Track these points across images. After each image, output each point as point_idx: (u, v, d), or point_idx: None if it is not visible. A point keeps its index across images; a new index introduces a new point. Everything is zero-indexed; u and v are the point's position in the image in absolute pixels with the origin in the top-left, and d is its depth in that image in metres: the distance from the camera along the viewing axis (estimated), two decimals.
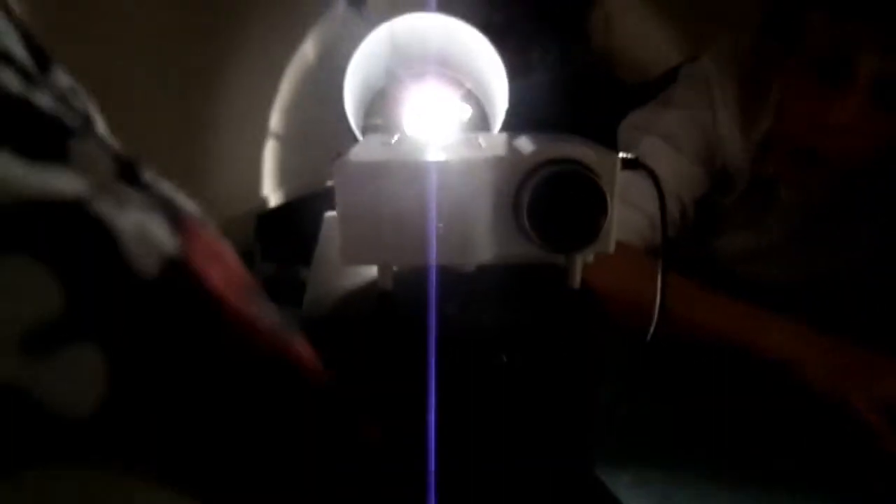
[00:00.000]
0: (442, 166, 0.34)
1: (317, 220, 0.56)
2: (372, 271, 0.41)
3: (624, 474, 0.52)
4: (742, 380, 0.63)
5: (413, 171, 0.34)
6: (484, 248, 0.36)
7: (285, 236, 0.83)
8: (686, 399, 0.63)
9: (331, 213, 0.56)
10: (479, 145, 0.38)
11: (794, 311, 0.65)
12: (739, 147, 0.78)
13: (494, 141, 0.39)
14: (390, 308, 0.37)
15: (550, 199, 0.34)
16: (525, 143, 0.37)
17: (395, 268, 0.39)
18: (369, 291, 0.39)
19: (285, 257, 0.84)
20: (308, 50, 1.23)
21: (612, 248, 0.37)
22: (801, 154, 0.70)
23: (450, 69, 0.55)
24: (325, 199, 0.59)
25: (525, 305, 0.38)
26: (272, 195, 1.14)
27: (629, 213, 0.74)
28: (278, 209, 0.90)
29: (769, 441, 0.57)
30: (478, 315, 0.37)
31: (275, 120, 1.16)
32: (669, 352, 0.61)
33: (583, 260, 0.38)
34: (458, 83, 0.54)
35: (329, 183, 0.85)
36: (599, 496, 0.46)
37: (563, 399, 0.39)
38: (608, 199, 0.34)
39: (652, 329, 0.42)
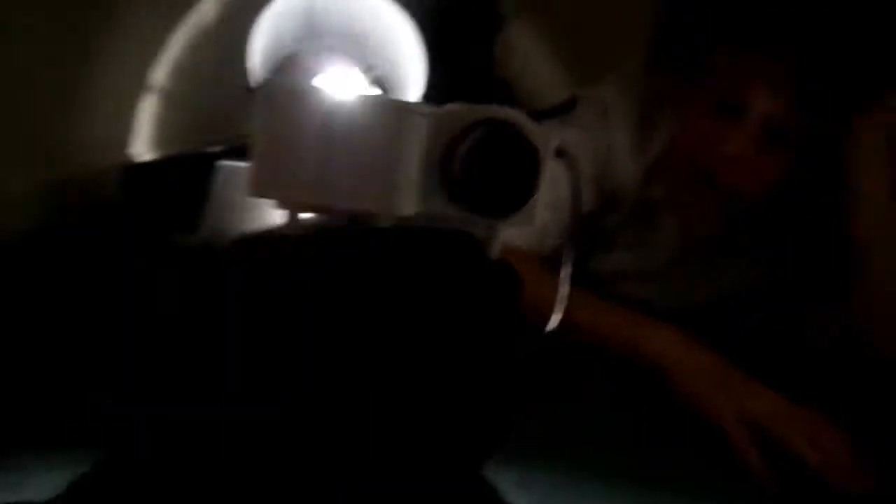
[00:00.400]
0: (379, 106, 0.32)
1: (193, 182, 0.50)
2: (276, 219, 0.37)
3: (510, 473, 0.51)
4: (629, 381, 0.65)
5: (341, 106, 0.32)
6: (406, 200, 0.33)
7: (155, 194, 0.76)
8: (574, 398, 0.63)
9: (225, 163, 0.51)
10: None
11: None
12: (630, 171, 0.81)
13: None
14: (297, 252, 0.34)
15: (485, 158, 0.33)
16: (460, 105, 0.35)
17: (300, 216, 0.35)
18: (273, 235, 0.35)
19: (155, 217, 0.76)
20: (208, 8, 1.15)
21: (536, 222, 0.36)
22: (699, 175, 0.72)
23: (366, 49, 0.52)
24: (206, 161, 0.53)
25: (439, 270, 0.36)
26: (146, 151, 1.05)
27: None
28: (151, 163, 0.82)
29: (654, 440, 0.59)
30: (385, 274, 0.35)
31: (160, 74, 1.06)
32: (558, 353, 0.61)
33: (504, 233, 0.37)
34: (370, 66, 0.52)
35: (214, 148, 0.78)
36: (485, 496, 0.44)
37: (468, 377, 0.37)
38: (543, 164, 0.33)
39: (554, 323, 0.41)
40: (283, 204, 0.35)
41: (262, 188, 0.32)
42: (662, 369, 0.64)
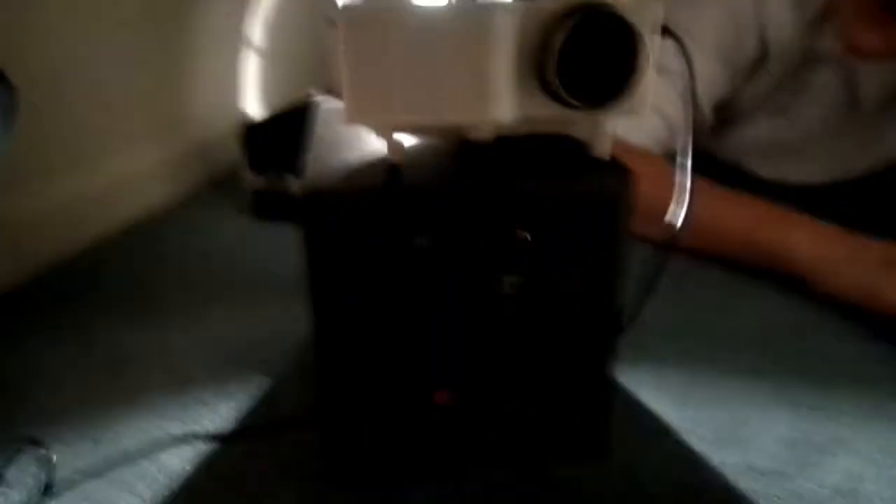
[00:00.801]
0: (459, 13, 0.30)
1: (303, 131, 0.52)
2: (379, 147, 0.37)
3: (644, 375, 0.50)
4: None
5: (425, 17, 0.30)
6: (503, 105, 0.32)
7: (272, 148, 0.79)
8: (704, 303, 0.61)
9: (325, 101, 0.52)
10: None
11: (823, 215, 0.62)
12: (787, 19, 0.72)
13: None
14: (400, 181, 0.33)
15: (582, 47, 0.30)
16: None
17: (404, 142, 0.35)
18: (377, 166, 0.35)
19: (272, 169, 0.80)
20: None
21: (644, 109, 0.33)
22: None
23: None
24: (308, 110, 0.55)
25: (548, 176, 0.34)
26: (256, 109, 1.09)
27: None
28: (264, 121, 0.85)
29: (787, 341, 0.56)
30: (497, 187, 0.34)
31: (256, 35, 1.10)
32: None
33: (612, 126, 0.35)
34: None
35: (312, 94, 0.80)
36: (618, 397, 0.44)
37: (587, 285, 0.36)
38: (645, 44, 0.31)
39: (678, 229, 0.38)
40: (380, 129, 0.35)
41: (357, 114, 0.32)
42: (807, 274, 0.59)
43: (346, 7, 0.31)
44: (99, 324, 0.58)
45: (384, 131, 0.34)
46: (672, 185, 0.38)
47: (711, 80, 0.76)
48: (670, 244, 0.37)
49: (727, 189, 0.66)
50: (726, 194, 0.66)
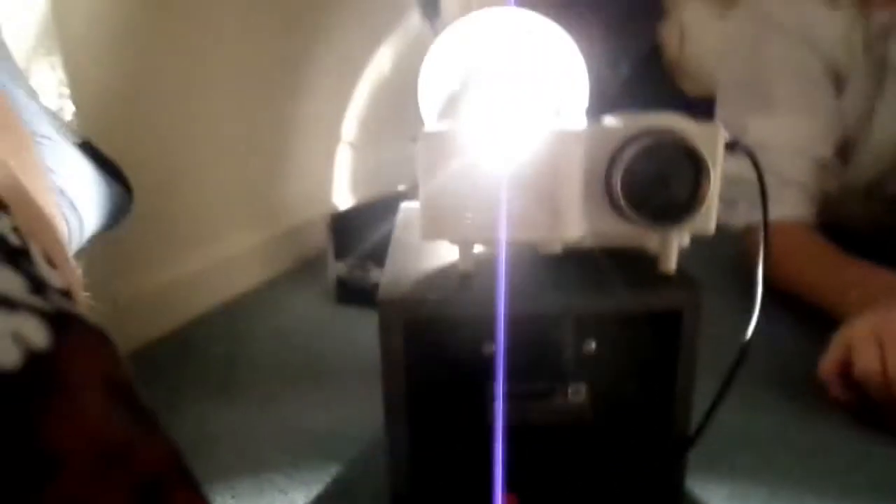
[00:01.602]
0: (531, 137, 0.33)
1: (388, 223, 0.55)
2: (452, 254, 0.39)
3: (720, 488, 0.48)
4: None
5: (499, 142, 0.33)
6: (572, 223, 0.34)
7: (357, 237, 0.83)
8: (786, 405, 0.58)
9: (407, 203, 0.55)
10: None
11: None
12: (836, 31, 0.76)
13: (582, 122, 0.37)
14: (471, 289, 0.35)
15: (646, 168, 0.32)
16: (616, 119, 0.35)
17: (476, 250, 0.37)
18: (450, 273, 0.37)
19: (357, 257, 0.84)
20: (382, 61, 1.25)
21: (712, 227, 0.34)
22: None
23: (526, 72, 0.53)
24: (395, 202, 0.58)
25: (617, 290, 0.35)
26: (345, 199, 1.16)
27: (781, 189, 0.74)
28: (350, 211, 0.90)
29: (873, 456, 0.52)
30: (566, 297, 0.35)
31: (348, 127, 1.17)
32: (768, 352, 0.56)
33: (679, 241, 0.36)
34: (533, 89, 0.53)
35: (400, 187, 0.84)
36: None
37: (655, 396, 0.36)
38: (709, 168, 0.32)
39: (757, 301, 0.38)
40: (454, 241, 0.37)
41: (432, 232, 0.34)
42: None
43: (423, 132, 0.33)
44: (183, 401, 0.62)
45: (457, 242, 0.36)
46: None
47: (822, 131, 0.78)
48: (745, 347, 0.37)
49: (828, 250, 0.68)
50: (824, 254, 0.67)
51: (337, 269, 0.85)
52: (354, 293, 0.84)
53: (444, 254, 0.40)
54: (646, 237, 0.36)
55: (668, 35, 1.82)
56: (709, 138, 0.33)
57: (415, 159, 0.34)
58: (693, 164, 0.32)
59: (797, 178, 0.77)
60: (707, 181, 0.32)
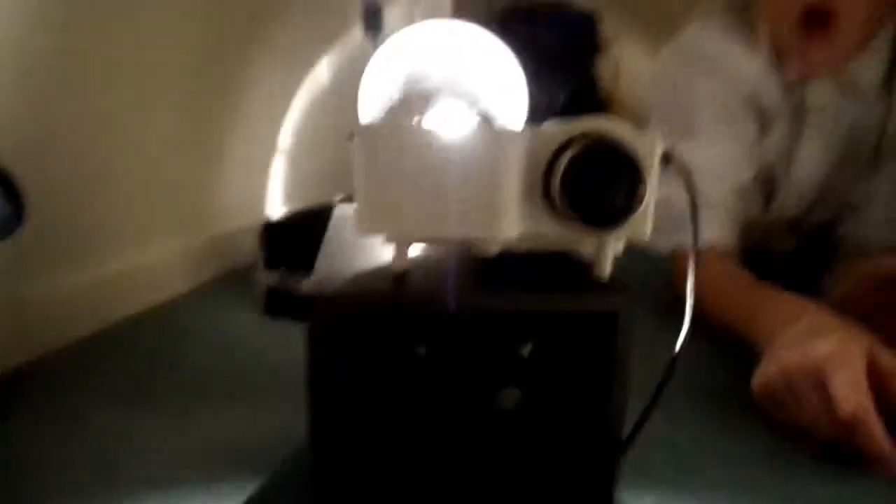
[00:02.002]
0: (470, 135, 0.32)
1: (320, 233, 0.54)
2: (387, 255, 0.38)
3: (647, 497, 0.48)
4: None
5: (438, 138, 0.32)
6: (509, 223, 0.33)
7: (290, 246, 0.81)
8: (715, 418, 0.59)
9: (342, 206, 0.54)
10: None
11: None
12: (757, 72, 0.81)
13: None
14: (405, 287, 0.34)
15: (585, 171, 0.32)
16: (556, 124, 0.35)
17: (410, 249, 0.36)
18: (384, 272, 0.36)
19: (286, 267, 0.81)
20: (322, 72, 1.24)
21: (647, 233, 0.34)
22: (812, 17, 0.70)
23: (469, 84, 0.53)
24: (330, 212, 0.57)
25: (552, 292, 0.35)
26: (278, 209, 1.13)
27: (705, 211, 0.77)
28: (284, 219, 0.88)
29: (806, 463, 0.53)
30: (501, 298, 0.34)
31: (284, 137, 1.15)
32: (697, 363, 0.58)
33: (614, 248, 0.36)
34: (474, 99, 0.53)
35: (336, 198, 0.83)
36: None
37: (589, 401, 0.35)
38: (644, 174, 0.32)
39: (683, 334, 0.38)
40: (390, 238, 0.36)
41: (368, 225, 0.33)
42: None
43: (363, 125, 0.33)
44: (93, 412, 0.58)
45: (393, 241, 0.35)
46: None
47: (732, 160, 0.82)
48: (675, 360, 0.37)
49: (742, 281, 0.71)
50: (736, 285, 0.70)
51: (267, 278, 0.82)
52: (284, 305, 0.82)
53: (379, 255, 0.39)
54: (582, 242, 0.36)
55: (604, 68, 1.89)
56: (647, 144, 0.33)
57: (352, 157, 0.33)
58: (630, 169, 0.32)
59: (720, 202, 0.80)
60: (643, 185, 0.32)
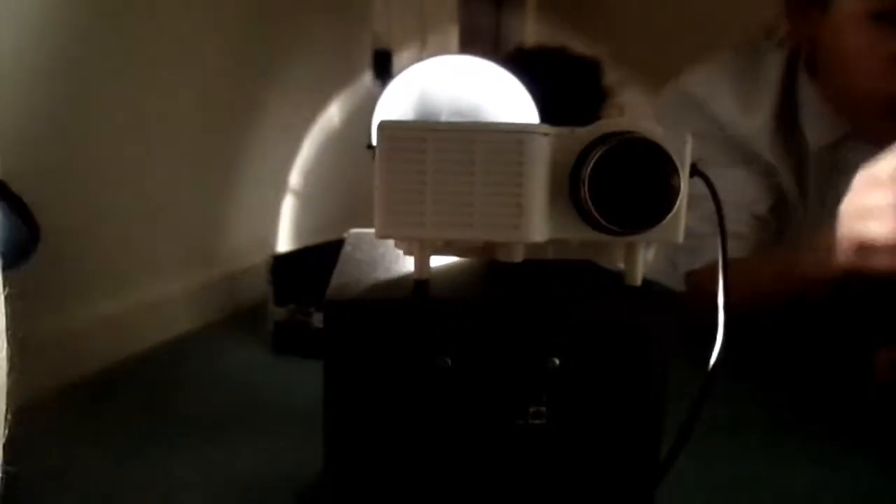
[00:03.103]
0: (493, 135, 0.31)
1: (331, 267, 0.52)
2: (407, 266, 0.37)
3: None
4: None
5: (461, 136, 0.31)
6: (536, 226, 0.32)
7: (298, 281, 0.79)
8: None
9: (355, 230, 0.53)
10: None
11: None
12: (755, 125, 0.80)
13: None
14: (427, 296, 0.32)
15: (614, 169, 0.31)
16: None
17: (432, 258, 0.35)
18: (404, 281, 0.34)
19: (297, 302, 0.79)
20: (333, 115, 1.25)
21: (680, 237, 0.33)
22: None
23: (478, 113, 0.53)
24: (339, 246, 0.56)
25: (581, 302, 0.33)
26: (288, 245, 1.12)
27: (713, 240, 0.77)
28: (294, 253, 0.87)
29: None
30: (527, 309, 0.32)
31: (295, 177, 1.15)
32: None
33: (644, 254, 0.34)
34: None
35: (345, 234, 0.82)
36: None
37: (623, 416, 0.33)
38: (678, 168, 0.31)
39: (720, 329, 0.36)
40: (410, 248, 0.34)
41: (389, 227, 0.31)
42: None
43: (381, 123, 0.32)
44: (102, 446, 0.56)
45: (413, 249, 0.34)
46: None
47: (756, 187, 0.80)
48: (706, 390, 0.35)
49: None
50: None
51: (277, 314, 0.80)
52: (294, 342, 0.80)
53: (399, 266, 0.37)
54: (611, 248, 0.35)
55: (609, 114, 1.92)
56: (677, 142, 0.32)
57: (373, 162, 0.32)
58: (663, 165, 0.31)
59: (736, 230, 0.79)
60: (677, 181, 0.31)
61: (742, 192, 0.80)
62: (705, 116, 0.82)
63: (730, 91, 0.82)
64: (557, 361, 0.33)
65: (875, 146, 0.69)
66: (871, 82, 0.68)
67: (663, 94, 0.90)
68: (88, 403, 0.66)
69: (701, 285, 0.36)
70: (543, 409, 0.33)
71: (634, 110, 1.89)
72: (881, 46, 0.65)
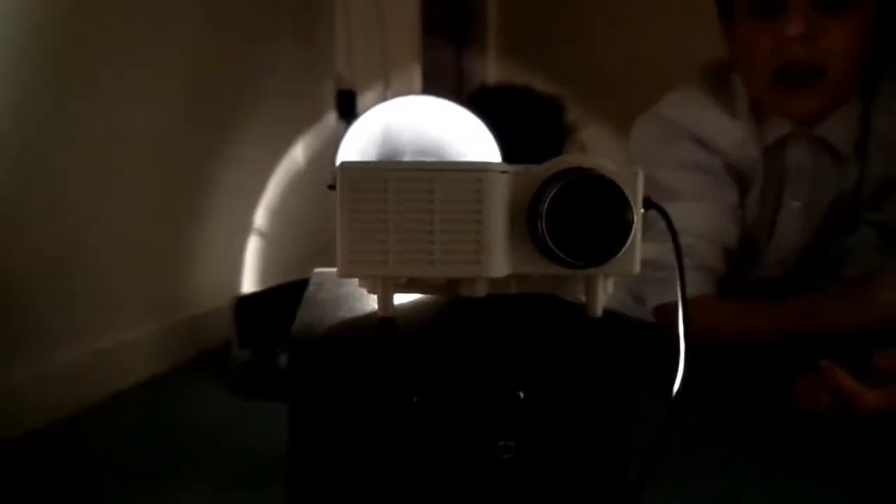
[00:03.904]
0: (452, 174, 0.32)
1: (296, 306, 0.52)
2: (371, 305, 0.37)
3: None
4: None
5: (420, 178, 0.32)
6: (496, 262, 0.32)
7: (262, 322, 0.79)
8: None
9: (319, 269, 0.53)
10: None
11: None
12: (735, 138, 0.84)
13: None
14: (391, 332, 0.33)
15: (570, 204, 0.32)
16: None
17: (395, 297, 0.35)
18: (369, 319, 0.35)
19: (262, 344, 0.78)
20: (297, 155, 1.25)
21: (636, 269, 0.34)
22: (790, 72, 0.77)
23: (441, 151, 0.54)
24: (304, 286, 0.56)
25: (544, 335, 0.34)
26: (252, 289, 1.10)
27: (689, 272, 0.78)
28: (258, 294, 0.86)
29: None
30: (492, 344, 0.33)
31: (260, 218, 1.15)
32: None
33: (604, 286, 0.35)
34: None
35: (316, 270, 0.82)
36: None
37: (591, 443, 0.34)
38: (632, 204, 0.32)
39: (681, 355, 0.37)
40: (374, 286, 0.34)
41: (351, 266, 0.32)
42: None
43: (342, 164, 0.32)
44: (57, 495, 0.54)
45: (377, 287, 0.34)
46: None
47: (719, 221, 0.83)
48: (673, 416, 0.35)
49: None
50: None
51: (241, 355, 0.79)
52: (260, 384, 0.78)
53: (363, 305, 0.37)
54: (571, 281, 0.35)
55: (571, 150, 1.96)
56: (629, 177, 0.33)
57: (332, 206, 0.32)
58: (616, 200, 0.32)
59: (711, 264, 0.81)
60: (631, 216, 0.32)
61: (716, 228, 0.82)
62: (686, 136, 0.84)
63: (707, 106, 0.86)
64: (523, 395, 0.33)
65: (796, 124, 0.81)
66: (759, 60, 0.80)
67: (639, 124, 0.92)
68: (48, 449, 0.64)
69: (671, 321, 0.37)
70: (512, 443, 0.33)
71: (595, 147, 1.94)
72: (763, 34, 0.79)
